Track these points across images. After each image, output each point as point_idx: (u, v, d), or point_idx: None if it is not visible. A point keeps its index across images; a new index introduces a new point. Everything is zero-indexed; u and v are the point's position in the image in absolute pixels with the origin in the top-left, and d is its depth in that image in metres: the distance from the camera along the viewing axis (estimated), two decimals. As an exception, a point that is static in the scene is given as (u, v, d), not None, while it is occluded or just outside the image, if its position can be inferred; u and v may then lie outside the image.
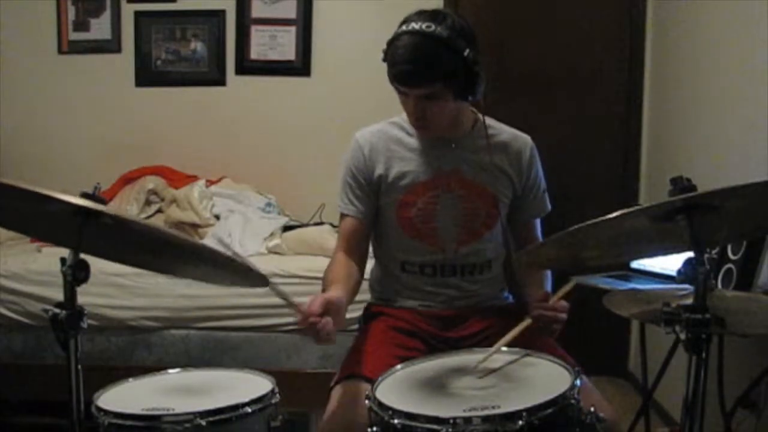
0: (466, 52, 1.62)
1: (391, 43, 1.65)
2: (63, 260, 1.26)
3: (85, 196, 1.25)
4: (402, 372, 1.46)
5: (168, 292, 2.83)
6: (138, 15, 3.77)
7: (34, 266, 2.87)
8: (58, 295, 1.27)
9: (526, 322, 1.60)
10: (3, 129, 3.73)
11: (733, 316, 1.35)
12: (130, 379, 1.53)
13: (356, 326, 2.02)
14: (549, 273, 1.89)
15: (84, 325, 1.28)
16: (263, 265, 2.64)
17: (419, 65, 1.61)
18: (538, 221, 1.92)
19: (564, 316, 1.61)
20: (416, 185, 1.80)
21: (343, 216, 1.86)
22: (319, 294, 1.56)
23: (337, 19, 3.76)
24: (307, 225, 3.37)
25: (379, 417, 1.27)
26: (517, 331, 1.56)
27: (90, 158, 3.74)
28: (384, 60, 1.67)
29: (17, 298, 2.82)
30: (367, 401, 1.32)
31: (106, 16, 3.77)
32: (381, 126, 1.88)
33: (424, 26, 1.60)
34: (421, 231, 1.81)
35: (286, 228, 3.30)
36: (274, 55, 3.77)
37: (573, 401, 1.26)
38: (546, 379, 1.36)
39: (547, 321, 1.61)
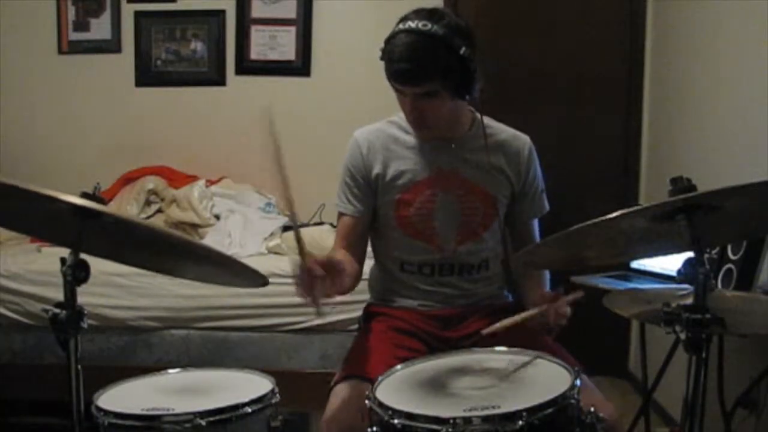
0: (463, 50, 1.62)
1: (388, 41, 1.66)
2: (63, 260, 1.26)
3: (85, 196, 1.25)
4: (402, 372, 1.46)
5: (168, 292, 2.83)
6: (138, 15, 3.77)
7: (34, 266, 2.87)
8: (58, 295, 1.27)
9: (536, 310, 1.60)
10: (3, 129, 3.73)
11: (733, 316, 1.35)
12: (130, 379, 1.53)
13: (356, 326, 2.03)
14: (547, 273, 1.89)
15: (84, 325, 1.28)
16: (263, 265, 2.64)
17: (415, 64, 1.61)
18: (536, 221, 1.92)
19: (565, 322, 1.63)
20: (414, 184, 1.80)
21: (340, 215, 1.86)
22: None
23: (337, 19, 3.76)
24: (307, 225, 3.37)
25: (379, 417, 1.27)
26: (525, 316, 1.57)
27: (90, 158, 3.74)
28: (381, 59, 1.68)
29: (17, 298, 2.83)
30: (367, 401, 1.32)
31: (106, 16, 3.77)
32: (380, 125, 1.88)
33: (420, 25, 1.61)
34: (419, 230, 1.81)
35: (286, 228, 3.30)
36: (274, 55, 3.77)
37: (573, 401, 1.26)
38: (546, 379, 1.35)
39: (551, 319, 1.62)
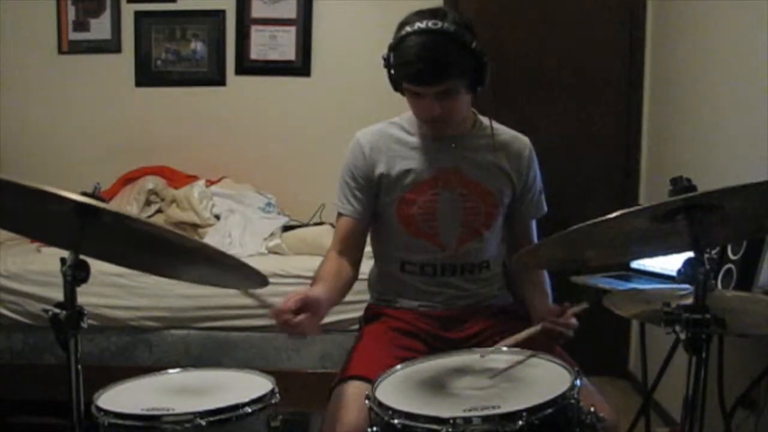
0: (474, 44, 1.63)
1: (397, 45, 1.65)
2: (63, 260, 1.26)
3: (84, 196, 1.25)
4: (402, 372, 1.46)
5: (168, 292, 2.83)
6: (138, 15, 3.77)
7: (34, 266, 2.87)
8: (58, 295, 1.27)
9: (536, 328, 1.62)
10: (3, 129, 3.73)
11: (733, 316, 1.35)
12: (130, 379, 1.53)
13: (356, 326, 2.02)
14: (547, 278, 1.89)
15: (84, 325, 1.28)
16: (263, 265, 2.63)
17: (434, 63, 1.61)
18: (534, 222, 1.92)
19: (572, 333, 1.64)
20: (418, 183, 1.80)
21: (339, 215, 1.87)
22: (296, 292, 1.54)
23: (337, 19, 3.76)
24: (307, 225, 3.37)
25: (379, 417, 1.27)
26: (526, 335, 1.58)
27: (90, 158, 3.74)
28: (386, 65, 1.68)
29: (17, 298, 2.82)
30: (367, 401, 1.32)
31: (106, 16, 3.77)
32: (381, 126, 1.88)
33: (430, 24, 1.61)
34: (422, 229, 1.81)
35: (286, 228, 3.31)
36: (274, 55, 3.77)
37: (573, 401, 1.26)
38: (546, 379, 1.36)
39: (555, 334, 1.63)
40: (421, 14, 1.64)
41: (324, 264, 1.80)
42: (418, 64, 1.61)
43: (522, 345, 1.55)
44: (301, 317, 1.47)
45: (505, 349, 1.53)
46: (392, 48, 1.66)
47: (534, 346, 1.56)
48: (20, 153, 3.74)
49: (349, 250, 1.83)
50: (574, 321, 1.65)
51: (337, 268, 1.78)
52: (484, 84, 1.70)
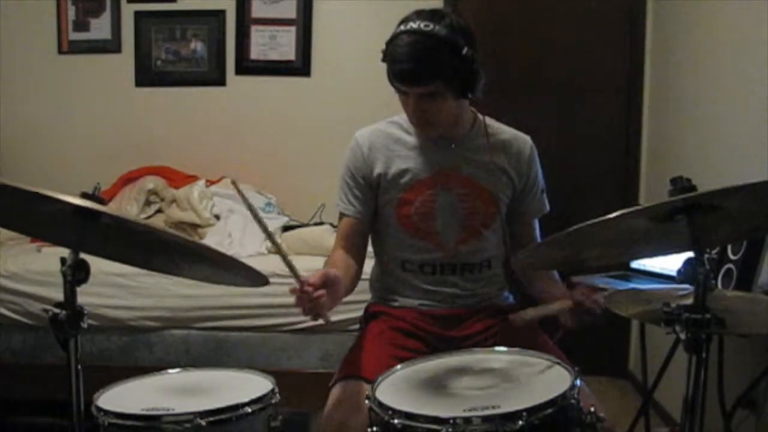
0: (465, 50, 1.63)
1: (390, 42, 1.66)
2: (63, 260, 1.26)
3: (84, 196, 1.25)
4: (402, 372, 1.46)
5: (168, 292, 2.83)
6: (138, 15, 3.77)
7: (34, 266, 2.87)
8: (58, 295, 1.27)
9: (566, 303, 1.61)
10: (3, 129, 3.73)
11: (733, 316, 1.35)
12: (130, 379, 1.53)
13: (356, 326, 2.03)
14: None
15: (84, 325, 1.28)
16: (263, 265, 2.63)
17: (419, 64, 1.62)
18: (536, 221, 1.92)
19: (600, 311, 1.60)
20: (416, 183, 1.80)
21: (341, 216, 1.87)
22: (318, 270, 1.56)
23: (337, 19, 3.76)
24: (307, 225, 3.37)
25: (379, 417, 1.27)
26: (554, 309, 1.59)
27: (90, 158, 3.75)
28: (383, 60, 1.68)
29: (17, 298, 2.83)
30: (367, 401, 1.32)
31: (106, 16, 3.77)
32: (381, 125, 1.88)
33: (422, 25, 1.61)
34: (421, 229, 1.81)
35: (286, 228, 3.31)
36: (274, 55, 3.77)
37: (573, 401, 1.26)
38: (546, 379, 1.36)
39: (584, 309, 1.60)
40: (419, 14, 1.65)
41: (331, 258, 1.81)
42: (404, 63, 1.62)
43: (517, 342, 1.54)
44: (321, 292, 1.47)
45: (504, 349, 1.53)
46: (387, 44, 1.67)
47: (533, 341, 1.56)
48: (20, 153, 3.74)
49: (353, 249, 1.84)
50: (601, 299, 1.61)
51: (345, 262, 1.79)
52: (473, 91, 1.70)
